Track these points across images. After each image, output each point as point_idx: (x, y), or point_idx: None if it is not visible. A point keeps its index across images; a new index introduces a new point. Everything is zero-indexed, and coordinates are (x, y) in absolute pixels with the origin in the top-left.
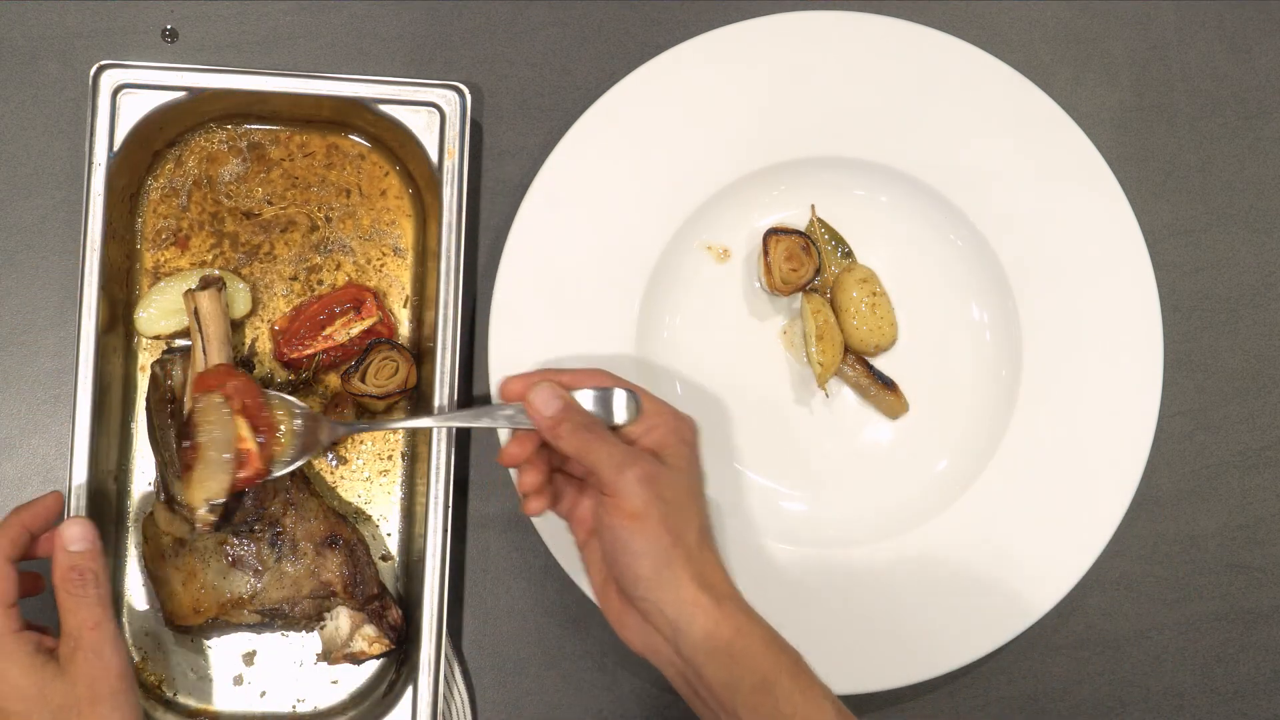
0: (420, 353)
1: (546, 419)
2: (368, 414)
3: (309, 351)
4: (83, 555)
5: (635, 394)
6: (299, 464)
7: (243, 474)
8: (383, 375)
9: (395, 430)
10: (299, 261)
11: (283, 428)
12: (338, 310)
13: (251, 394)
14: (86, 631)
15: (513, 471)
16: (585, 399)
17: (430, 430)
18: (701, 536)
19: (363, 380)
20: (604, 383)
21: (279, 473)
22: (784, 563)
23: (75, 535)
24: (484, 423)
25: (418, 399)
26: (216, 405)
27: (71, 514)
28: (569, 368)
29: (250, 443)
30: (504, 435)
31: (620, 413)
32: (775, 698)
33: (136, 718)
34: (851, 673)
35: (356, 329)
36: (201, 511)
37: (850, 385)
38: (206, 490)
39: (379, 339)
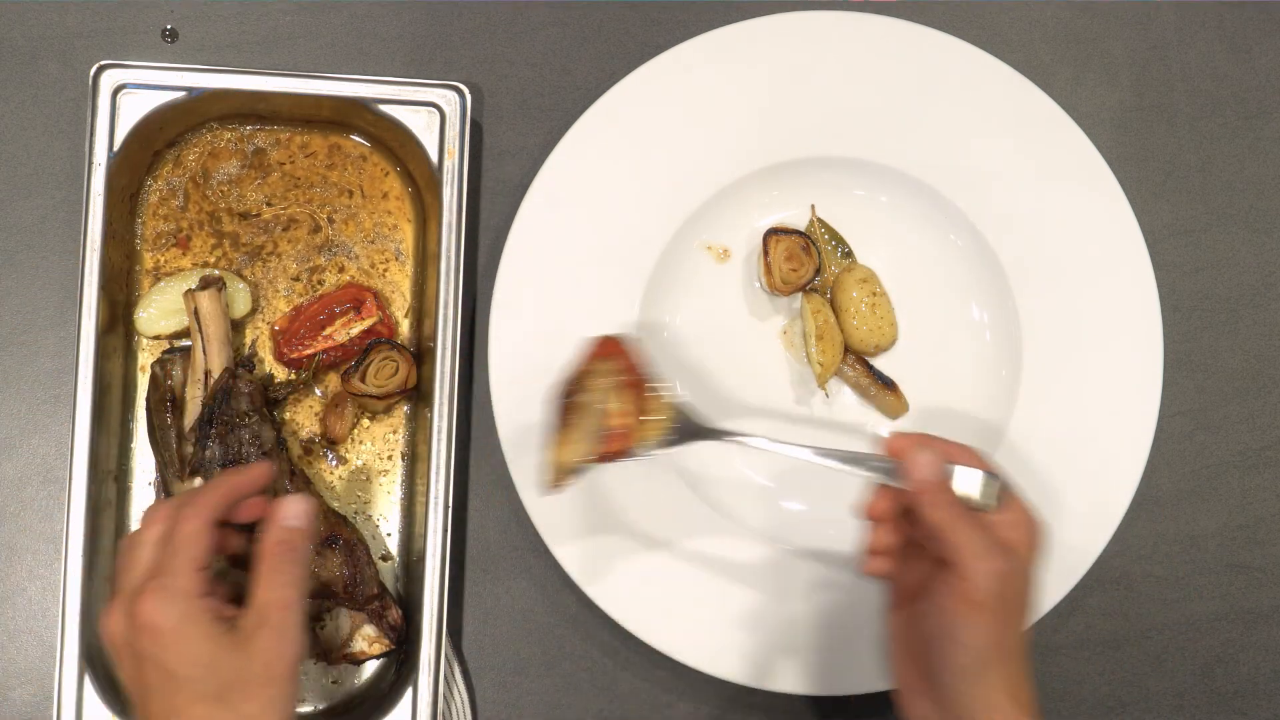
0: (420, 353)
1: (927, 484)
2: (368, 414)
3: (309, 351)
4: (295, 532)
5: (1004, 482)
6: (657, 453)
7: (608, 449)
8: (383, 375)
9: (759, 449)
10: (299, 261)
11: (659, 415)
12: (337, 310)
13: (641, 372)
14: (276, 610)
15: (862, 524)
16: (959, 473)
17: (430, 430)
18: (1020, 645)
19: (363, 380)
20: (976, 463)
21: (637, 456)
22: (784, 564)
23: (294, 511)
24: (860, 471)
25: (418, 399)
26: (609, 372)
27: (70, 513)
28: (945, 439)
29: (629, 420)
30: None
31: (990, 496)
32: None
33: (292, 711)
34: (852, 673)
35: (356, 329)
36: (563, 475)
37: (850, 385)
38: (574, 454)
39: (379, 339)
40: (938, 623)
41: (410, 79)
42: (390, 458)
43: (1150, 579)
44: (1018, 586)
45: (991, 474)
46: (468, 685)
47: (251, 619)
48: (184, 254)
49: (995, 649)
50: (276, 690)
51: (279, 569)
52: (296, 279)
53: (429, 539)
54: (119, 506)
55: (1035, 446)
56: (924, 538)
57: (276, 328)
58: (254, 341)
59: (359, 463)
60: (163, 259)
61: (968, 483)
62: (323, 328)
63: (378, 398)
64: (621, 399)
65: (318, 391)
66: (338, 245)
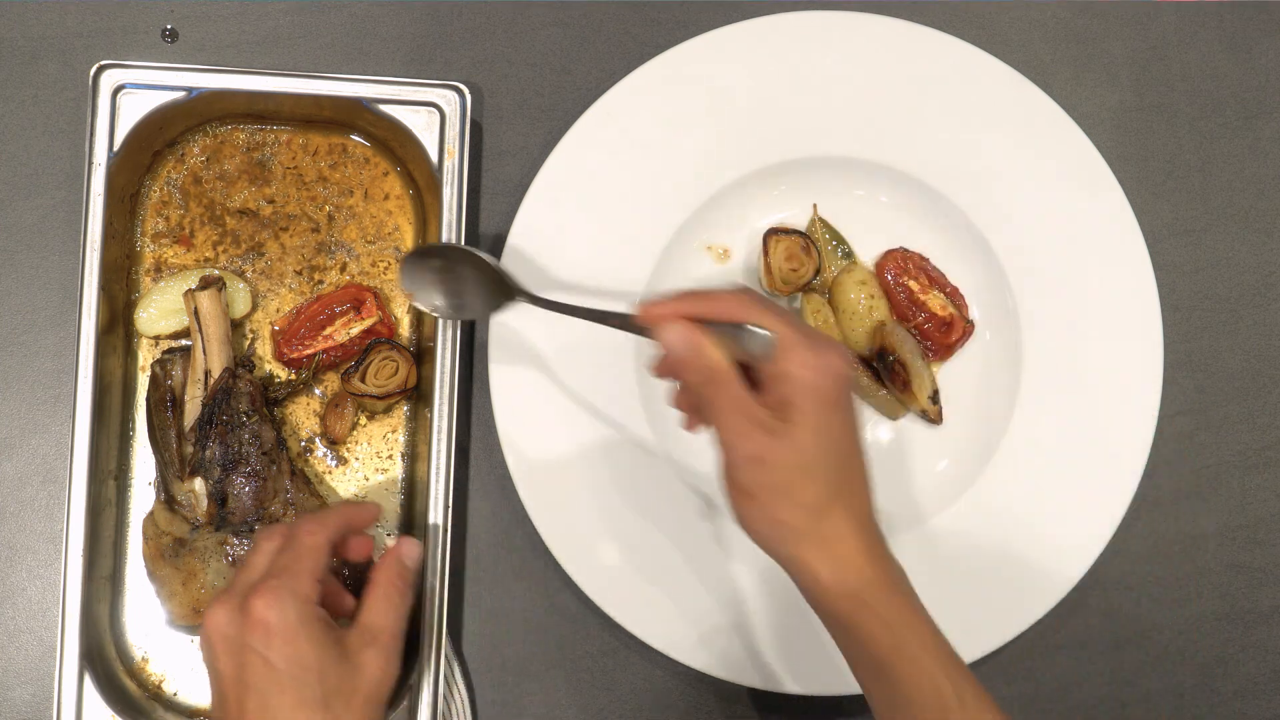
0: (420, 353)
1: (692, 373)
2: (367, 413)
3: (309, 351)
4: (409, 571)
5: (770, 338)
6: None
7: (952, 340)
8: (383, 375)
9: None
10: (300, 261)
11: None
12: (338, 310)
13: (926, 267)
14: (386, 634)
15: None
16: (722, 334)
17: (430, 430)
18: (827, 512)
19: (363, 380)
20: (743, 316)
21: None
22: None
23: (412, 553)
24: (614, 324)
25: (418, 398)
26: (898, 330)
27: (70, 513)
28: (712, 290)
29: (948, 309)
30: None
31: (757, 351)
32: (892, 680)
33: None
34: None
35: (356, 329)
36: (930, 406)
37: None
38: (927, 388)
39: (379, 339)
40: (728, 499)
41: (410, 79)
42: (390, 457)
43: (1150, 579)
44: (787, 459)
45: (757, 331)
46: (468, 685)
47: (360, 637)
48: (184, 254)
49: (777, 528)
50: (373, 709)
51: (391, 598)
52: (297, 277)
53: (429, 539)
54: (119, 506)
55: (1035, 446)
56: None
57: (276, 327)
58: (254, 341)
59: (359, 462)
60: (163, 259)
61: (731, 341)
62: (323, 328)
63: (378, 397)
64: (932, 300)
65: (317, 391)
66: (338, 245)
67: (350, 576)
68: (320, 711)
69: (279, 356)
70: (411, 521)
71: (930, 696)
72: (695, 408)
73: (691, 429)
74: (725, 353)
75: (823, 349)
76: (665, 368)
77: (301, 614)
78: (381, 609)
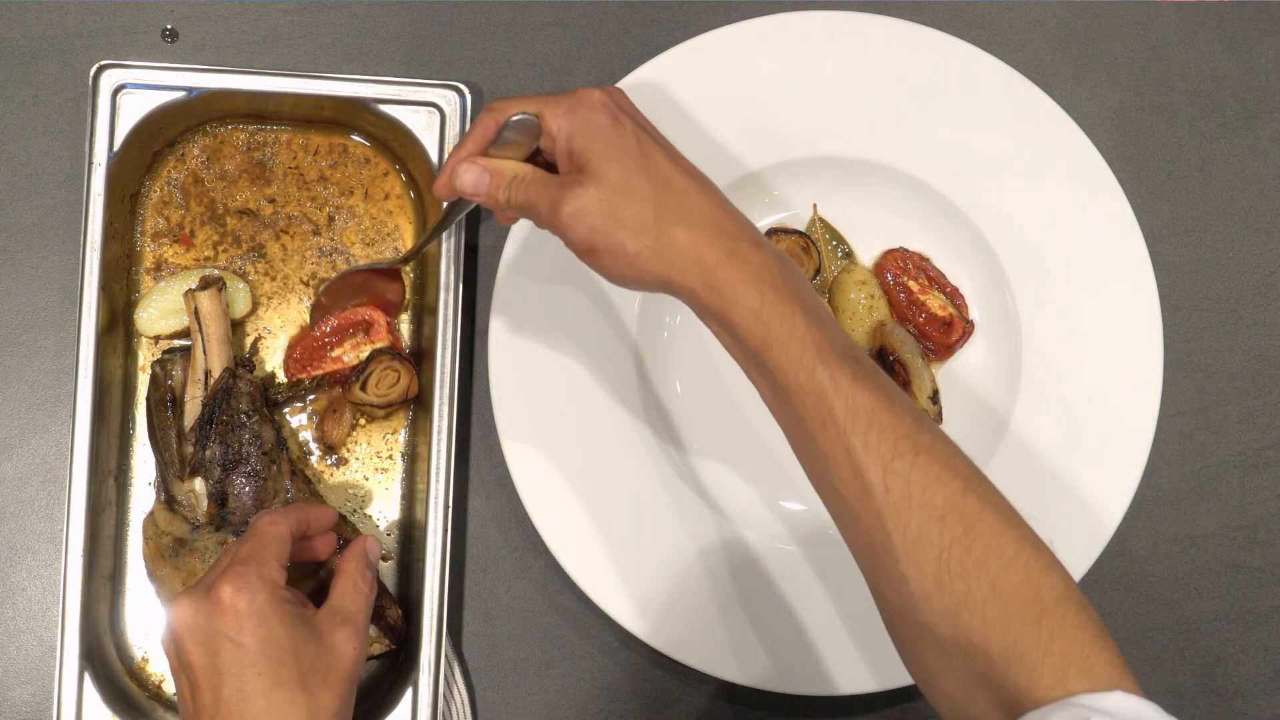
0: (420, 354)
1: (484, 196)
2: (367, 417)
3: (318, 373)
4: (373, 565)
5: (529, 115)
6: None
7: (952, 340)
8: (384, 385)
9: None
10: (299, 261)
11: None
12: (349, 332)
13: (926, 267)
14: (359, 617)
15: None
16: (501, 144)
17: (430, 430)
18: (659, 221)
19: (364, 389)
20: (501, 117)
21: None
22: (784, 563)
23: (375, 549)
24: (453, 216)
25: (419, 405)
26: (898, 330)
27: (70, 513)
28: (471, 128)
29: (948, 309)
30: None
31: (529, 136)
32: (768, 369)
33: (351, 710)
34: (854, 673)
35: (366, 351)
36: (930, 406)
37: None
38: (927, 388)
39: (381, 349)
40: (593, 270)
41: (410, 79)
42: (390, 458)
43: (1150, 579)
44: (599, 197)
45: (512, 118)
46: (468, 685)
47: (333, 619)
48: (184, 253)
49: (635, 259)
50: (347, 687)
51: (359, 585)
52: (298, 278)
53: (429, 539)
54: (119, 506)
55: (1035, 446)
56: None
57: (290, 346)
58: (256, 340)
59: (358, 463)
60: (163, 258)
61: (508, 143)
62: (331, 349)
63: (379, 406)
64: (932, 299)
65: (311, 396)
66: (338, 245)
67: (312, 586)
68: (298, 690)
69: (289, 374)
70: (412, 521)
71: (806, 381)
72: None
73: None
74: (513, 160)
75: (575, 93)
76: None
77: (271, 596)
78: (350, 594)
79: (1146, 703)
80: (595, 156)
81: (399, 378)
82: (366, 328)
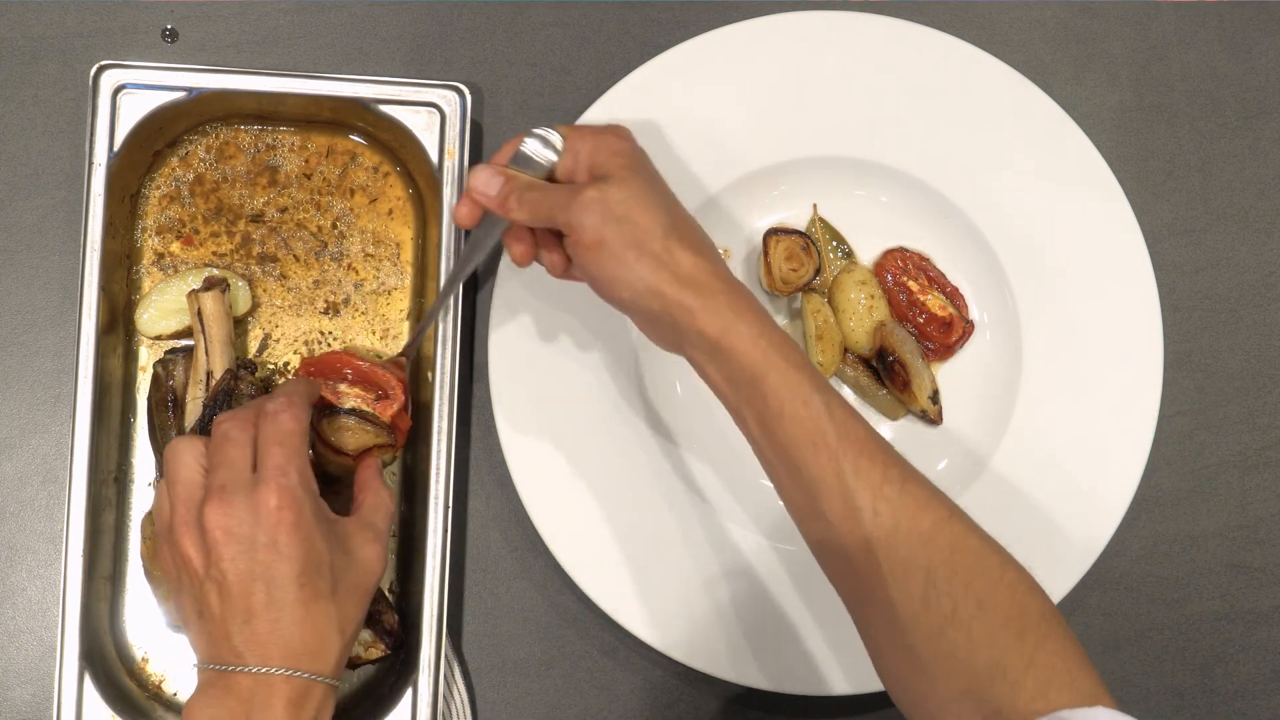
0: (420, 355)
1: (495, 199)
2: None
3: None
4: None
5: (554, 129)
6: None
7: (952, 340)
8: (344, 437)
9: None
10: (300, 261)
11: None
12: (369, 385)
13: (926, 267)
14: (385, 529)
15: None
16: (522, 165)
17: (430, 430)
18: (668, 239)
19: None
20: (523, 135)
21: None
22: (784, 563)
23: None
24: (478, 257)
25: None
26: (898, 330)
27: (70, 513)
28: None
29: (948, 309)
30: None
31: (550, 152)
32: (764, 393)
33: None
34: (854, 672)
35: (373, 407)
36: (930, 406)
37: (850, 385)
38: (927, 388)
39: (361, 412)
40: (586, 278)
41: (410, 79)
42: (390, 458)
43: (1150, 579)
44: (620, 198)
45: (537, 130)
46: (468, 685)
47: (364, 531)
48: (184, 253)
49: (637, 263)
50: (369, 597)
51: (382, 495)
52: (298, 278)
53: (429, 539)
54: (119, 506)
55: (1035, 447)
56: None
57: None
58: (266, 337)
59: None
60: (163, 258)
61: (527, 160)
62: (341, 384)
63: (340, 452)
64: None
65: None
66: (338, 245)
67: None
68: (330, 602)
69: (302, 366)
70: (412, 521)
71: (801, 408)
72: (528, 252)
73: (523, 261)
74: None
75: (599, 126)
76: (517, 243)
77: (314, 508)
78: (378, 509)
79: (1129, 718)
80: (618, 169)
81: (364, 437)
82: (383, 395)
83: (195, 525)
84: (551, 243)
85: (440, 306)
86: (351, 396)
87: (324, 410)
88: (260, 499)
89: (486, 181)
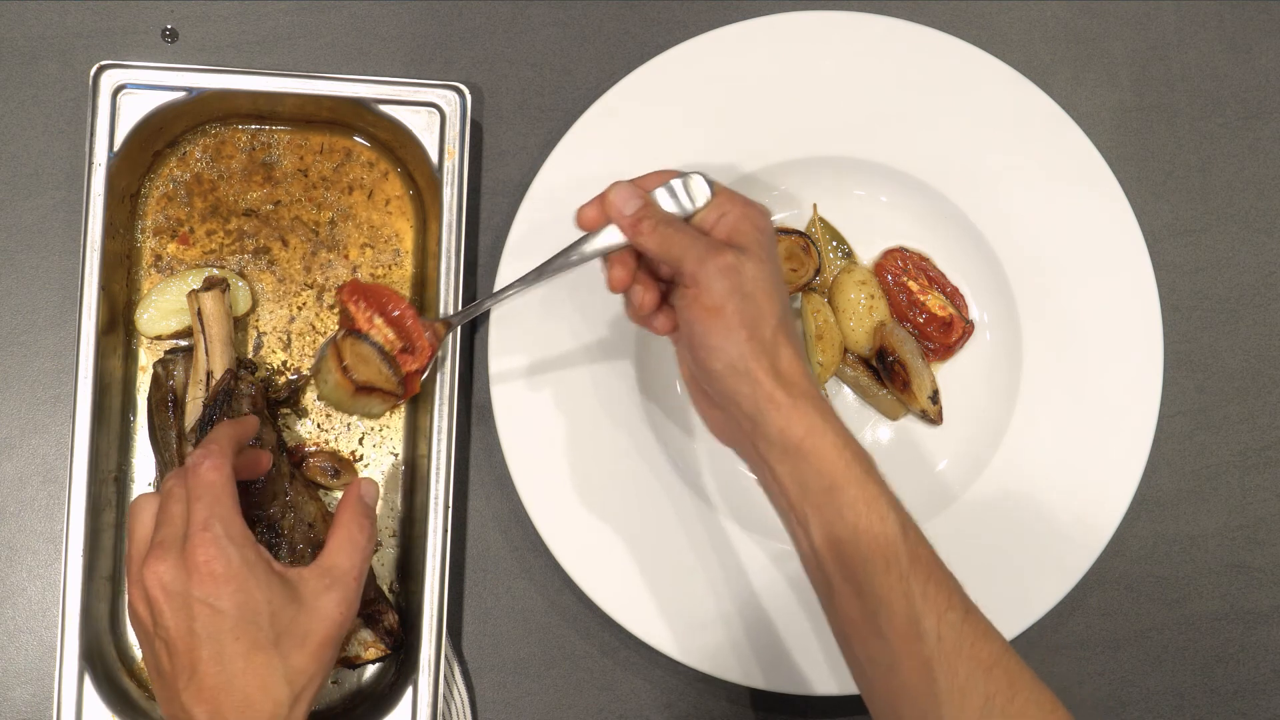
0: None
1: (628, 218)
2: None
3: (352, 310)
4: (372, 510)
5: (706, 180)
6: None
7: (952, 340)
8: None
9: (501, 299)
10: (301, 261)
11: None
12: (402, 327)
13: (926, 267)
14: (350, 577)
15: (622, 297)
16: (660, 196)
17: (430, 430)
18: (778, 330)
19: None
20: (674, 175)
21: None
22: (785, 563)
23: (371, 492)
24: (574, 260)
25: (419, 398)
26: (898, 330)
27: (70, 513)
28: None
29: (948, 309)
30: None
31: (695, 198)
32: (839, 504)
33: (329, 675)
34: None
35: (397, 356)
36: (930, 406)
37: (850, 385)
38: (927, 388)
39: (372, 341)
40: (690, 337)
41: (410, 79)
42: (390, 458)
43: (1150, 579)
44: (753, 275)
45: (693, 174)
46: (468, 685)
47: (321, 579)
48: (184, 253)
49: (747, 342)
50: (327, 652)
51: (355, 539)
52: (299, 277)
53: (429, 539)
54: (119, 506)
55: (1035, 446)
56: (661, 270)
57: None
58: (262, 336)
59: (358, 464)
60: (163, 258)
61: (670, 197)
62: (376, 317)
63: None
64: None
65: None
66: (337, 245)
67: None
68: (273, 654)
69: (340, 294)
70: (412, 520)
71: (877, 523)
72: (658, 302)
73: (664, 331)
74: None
75: (750, 200)
76: (619, 271)
77: (244, 558)
78: (346, 550)
79: None
80: (757, 246)
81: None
82: (409, 349)
83: (140, 583)
84: (649, 282)
85: (504, 295)
86: (381, 334)
87: (352, 331)
88: (188, 553)
89: (626, 199)
